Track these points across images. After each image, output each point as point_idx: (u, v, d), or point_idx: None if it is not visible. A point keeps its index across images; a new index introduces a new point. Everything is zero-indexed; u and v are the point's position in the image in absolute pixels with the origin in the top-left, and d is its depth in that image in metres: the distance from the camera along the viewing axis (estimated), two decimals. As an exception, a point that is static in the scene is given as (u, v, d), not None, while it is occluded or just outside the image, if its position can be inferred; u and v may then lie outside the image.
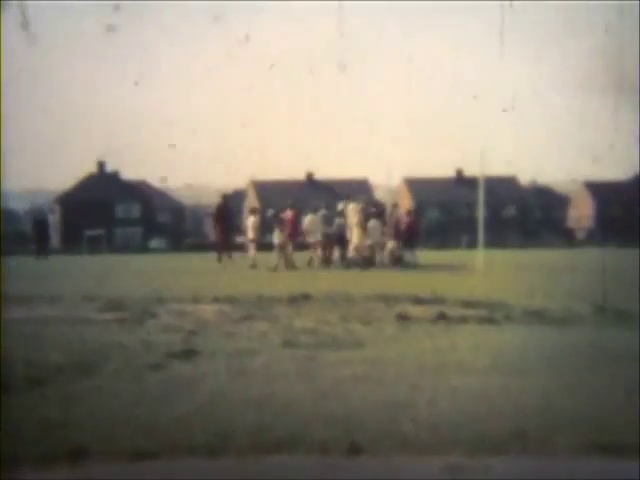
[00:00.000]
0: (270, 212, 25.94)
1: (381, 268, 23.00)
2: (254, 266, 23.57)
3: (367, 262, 23.25)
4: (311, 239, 24.66)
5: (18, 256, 38.85)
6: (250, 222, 25.47)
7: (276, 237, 24.12)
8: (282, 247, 23.88)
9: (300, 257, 24.34)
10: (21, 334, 8.66)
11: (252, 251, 24.60)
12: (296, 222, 24.93)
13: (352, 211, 24.18)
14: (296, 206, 25.61)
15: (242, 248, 27.62)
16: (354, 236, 23.72)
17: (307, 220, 25.03)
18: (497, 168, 67.61)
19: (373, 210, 24.55)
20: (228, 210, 27.72)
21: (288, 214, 25.29)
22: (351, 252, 23.73)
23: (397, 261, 23.80)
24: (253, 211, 26.62)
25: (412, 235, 24.94)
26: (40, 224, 36.86)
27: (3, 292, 12.29)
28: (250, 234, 25.08)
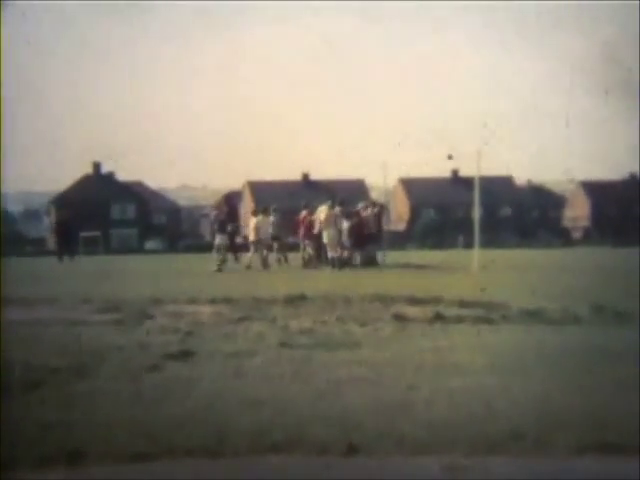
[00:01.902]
0: (213, 214, 26.11)
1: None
2: (250, 267, 23.76)
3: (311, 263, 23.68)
4: (253, 238, 24.96)
5: (15, 257, 38.84)
6: (252, 223, 25.54)
7: (217, 239, 24.48)
8: (219, 249, 24.24)
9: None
10: (18, 336, 8.65)
11: (250, 253, 24.72)
12: (310, 224, 25.05)
13: (321, 213, 24.35)
14: (310, 207, 25.70)
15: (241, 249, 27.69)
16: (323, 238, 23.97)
17: (256, 220, 25.36)
18: (493, 168, 67.60)
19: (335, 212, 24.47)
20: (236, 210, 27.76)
21: (303, 215, 25.47)
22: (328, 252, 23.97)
23: (344, 262, 23.76)
24: (255, 212, 26.64)
25: (364, 236, 24.73)
26: (63, 225, 35.10)
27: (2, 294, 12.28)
28: (252, 235, 25.16)
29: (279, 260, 25.64)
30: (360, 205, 26.39)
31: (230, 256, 25.46)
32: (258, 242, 25.00)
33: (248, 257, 24.93)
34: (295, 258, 25.71)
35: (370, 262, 24.64)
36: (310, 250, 25.11)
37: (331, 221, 23.89)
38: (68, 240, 33.93)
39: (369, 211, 25.90)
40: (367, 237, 24.84)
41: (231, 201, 27.29)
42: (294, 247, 27.79)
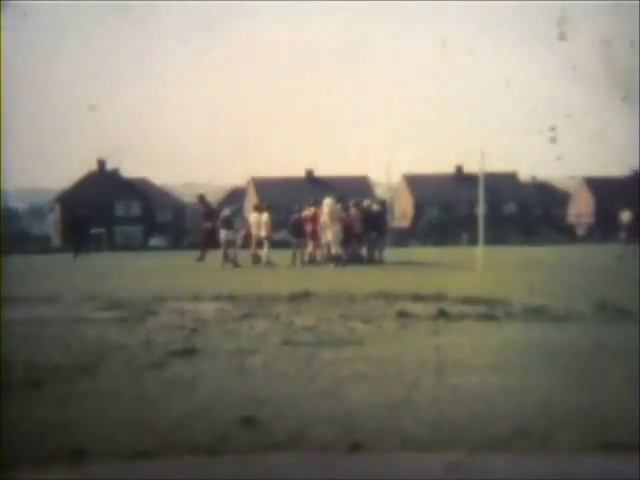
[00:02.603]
0: (227, 211, 26.33)
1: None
2: (270, 263, 23.87)
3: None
4: (265, 234, 25.06)
5: (18, 255, 38.89)
6: (263, 220, 25.59)
7: (223, 234, 24.75)
8: (227, 245, 24.62)
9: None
10: (21, 334, 8.65)
11: (266, 249, 24.78)
12: (317, 220, 24.79)
13: (325, 208, 24.13)
14: (317, 203, 25.46)
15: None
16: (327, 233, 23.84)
17: (268, 216, 25.43)
18: (497, 164, 67.54)
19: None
20: (211, 209, 27.87)
21: (310, 211, 25.26)
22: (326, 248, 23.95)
23: (333, 259, 23.76)
24: (266, 209, 26.67)
25: (350, 234, 24.64)
26: (80, 220, 34.72)
27: (3, 292, 12.28)
28: (263, 232, 25.24)
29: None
30: (350, 203, 26.17)
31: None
32: (267, 238, 25.08)
33: (264, 254, 25.01)
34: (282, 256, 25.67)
35: (358, 260, 24.67)
36: (311, 247, 25.05)
37: (334, 217, 23.79)
38: (84, 238, 34.09)
39: (372, 207, 25.85)
40: (352, 236, 24.75)
41: (206, 200, 27.52)
42: (287, 244, 27.80)
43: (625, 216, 31.45)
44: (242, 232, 26.01)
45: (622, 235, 30.98)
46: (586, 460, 4.33)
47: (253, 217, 26.27)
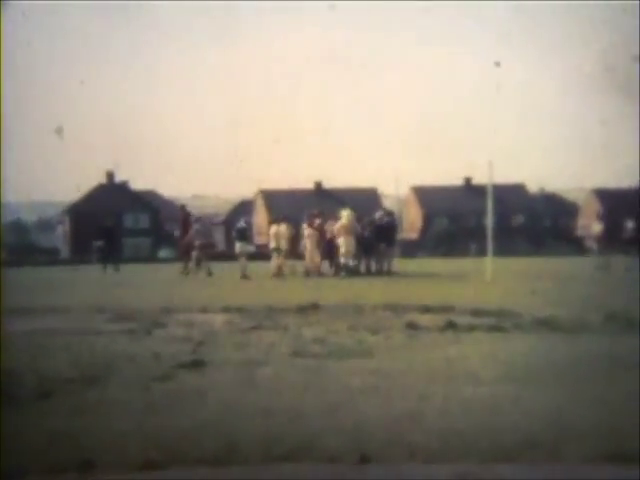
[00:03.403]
0: (242, 223, 26.52)
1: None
2: (279, 275, 23.79)
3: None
4: (275, 246, 24.99)
5: (26, 267, 38.95)
6: (273, 231, 25.57)
7: (238, 246, 24.83)
8: (240, 256, 24.76)
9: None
10: (29, 345, 8.67)
11: (275, 260, 24.70)
12: (323, 230, 24.73)
13: (343, 219, 24.02)
14: (323, 214, 25.32)
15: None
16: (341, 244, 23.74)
17: (273, 229, 25.47)
18: (506, 176, 67.50)
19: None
20: (189, 219, 27.90)
21: (315, 222, 25.20)
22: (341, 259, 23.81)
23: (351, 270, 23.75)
24: (276, 220, 26.66)
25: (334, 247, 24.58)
26: (109, 231, 34.35)
27: (4, 303, 12.26)
28: (273, 243, 25.22)
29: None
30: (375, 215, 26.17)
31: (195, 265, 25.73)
32: (278, 250, 25.00)
33: (273, 266, 24.95)
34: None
35: (367, 271, 24.73)
36: (318, 258, 24.93)
37: (349, 228, 23.74)
38: (115, 249, 33.99)
39: (382, 219, 25.83)
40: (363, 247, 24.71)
41: (185, 210, 27.77)
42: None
43: (596, 229, 32.34)
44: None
45: (595, 247, 31.65)
46: (594, 471, 4.32)
47: (273, 229, 26.12)
